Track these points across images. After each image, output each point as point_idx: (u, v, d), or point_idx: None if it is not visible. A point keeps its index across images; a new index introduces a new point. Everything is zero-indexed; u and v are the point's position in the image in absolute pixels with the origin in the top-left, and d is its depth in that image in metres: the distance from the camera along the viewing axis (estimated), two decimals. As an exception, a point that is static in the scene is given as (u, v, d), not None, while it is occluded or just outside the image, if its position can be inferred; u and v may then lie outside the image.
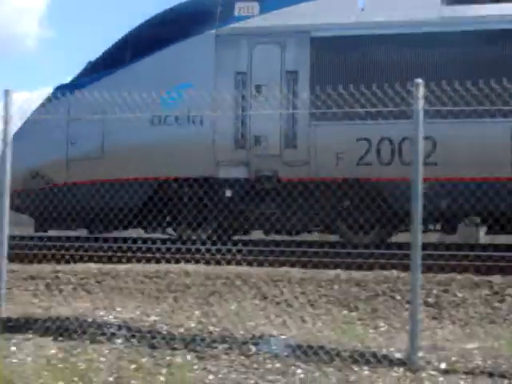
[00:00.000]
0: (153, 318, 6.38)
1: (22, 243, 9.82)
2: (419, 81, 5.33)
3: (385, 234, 11.31)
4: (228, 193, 11.30)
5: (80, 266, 9.07)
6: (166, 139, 11.35)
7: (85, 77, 12.23)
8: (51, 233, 12.35)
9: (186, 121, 11.37)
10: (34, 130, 11.23)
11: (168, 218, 11.57)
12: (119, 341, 5.56)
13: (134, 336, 5.65)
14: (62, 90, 11.83)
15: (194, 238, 11.44)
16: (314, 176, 10.92)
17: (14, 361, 4.96)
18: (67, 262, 9.24)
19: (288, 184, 10.96)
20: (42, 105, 11.82)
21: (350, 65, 10.97)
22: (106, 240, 11.11)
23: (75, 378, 4.59)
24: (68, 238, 11.58)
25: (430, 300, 6.89)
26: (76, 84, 12.00)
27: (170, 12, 12.50)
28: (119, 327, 5.85)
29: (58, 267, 8.89)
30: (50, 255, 9.51)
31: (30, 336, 5.71)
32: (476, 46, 10.52)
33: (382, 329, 6.33)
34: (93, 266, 9.23)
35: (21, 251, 9.36)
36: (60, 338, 5.64)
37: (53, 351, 5.27)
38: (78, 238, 11.80)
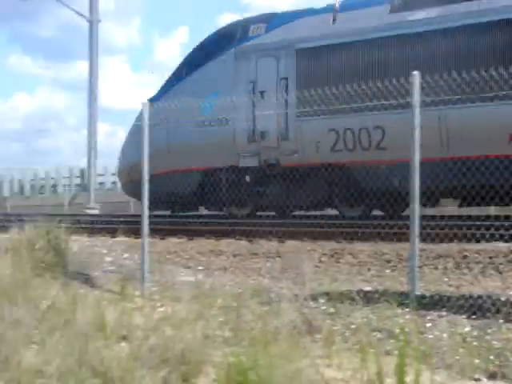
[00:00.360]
0: None
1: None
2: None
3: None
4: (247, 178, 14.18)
5: (489, 245, 8.98)
6: (206, 138, 14.38)
7: (160, 91, 15.92)
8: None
9: (217, 122, 14.32)
10: (133, 133, 14.58)
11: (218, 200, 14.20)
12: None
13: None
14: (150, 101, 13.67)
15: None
16: (304, 162, 13.51)
17: (429, 336, 5.14)
18: (477, 241, 9.26)
19: (287, 169, 13.27)
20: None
21: (324, 69, 13.23)
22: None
23: (491, 357, 4.56)
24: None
25: None
26: (155, 96, 15.53)
27: (210, 36, 15.57)
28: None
29: (466, 246, 8.95)
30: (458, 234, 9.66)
31: (444, 313, 5.84)
32: (413, 47, 12.26)
33: None
34: (501, 244, 9.05)
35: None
36: (473, 317, 5.67)
37: (467, 329, 5.31)
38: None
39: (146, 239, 7.18)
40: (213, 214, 16.09)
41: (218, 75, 14.49)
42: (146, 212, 7.21)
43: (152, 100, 14.41)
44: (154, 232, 8.37)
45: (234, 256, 9.89)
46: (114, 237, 12.24)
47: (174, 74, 16.03)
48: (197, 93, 14.08)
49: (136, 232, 9.51)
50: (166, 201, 14.63)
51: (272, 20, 14.66)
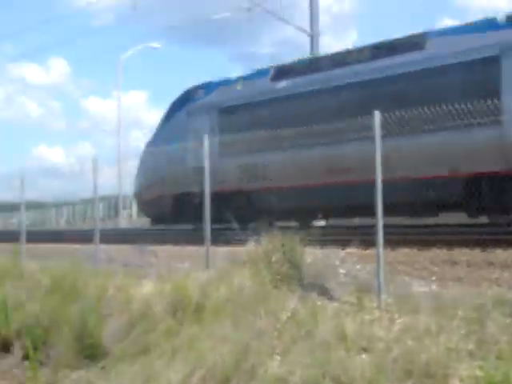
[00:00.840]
0: None
1: None
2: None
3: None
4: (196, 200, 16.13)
5: None
6: (175, 172, 18.75)
7: (153, 136, 20.96)
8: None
9: (179, 161, 18.14)
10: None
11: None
12: None
13: None
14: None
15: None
16: (225, 188, 16.78)
17: None
18: None
19: (218, 194, 13.68)
20: None
21: (233, 122, 17.61)
22: None
23: None
24: None
25: None
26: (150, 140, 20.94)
27: (178, 97, 20.06)
28: None
29: None
30: None
31: None
32: (277, 107, 16.67)
33: None
34: None
35: None
36: None
37: None
38: None
39: (381, 250, 7.14)
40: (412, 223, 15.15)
41: (178, 127, 19.24)
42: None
43: (147, 143, 20.78)
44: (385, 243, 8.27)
45: (469, 266, 9.44)
46: (344, 248, 12.33)
47: (158, 123, 20.78)
48: (167, 139, 18.62)
49: (365, 243, 9.48)
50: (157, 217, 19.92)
51: (208, 87, 19.36)
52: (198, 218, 13.50)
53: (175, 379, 7.32)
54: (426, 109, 12.01)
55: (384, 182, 7.32)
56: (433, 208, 13.61)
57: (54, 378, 8.24)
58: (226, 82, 18.86)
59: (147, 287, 9.35)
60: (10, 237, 14.69)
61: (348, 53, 16.32)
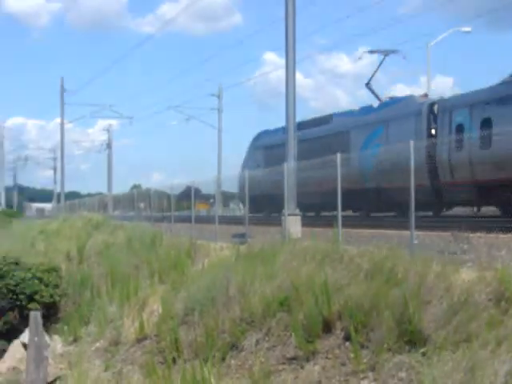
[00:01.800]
0: None
1: None
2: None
3: None
4: None
5: None
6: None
7: None
8: None
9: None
10: None
11: None
12: None
13: None
14: None
15: None
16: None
17: None
18: None
19: None
20: None
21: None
22: None
23: None
24: None
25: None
26: None
27: (253, 137, 35.44)
28: None
29: None
30: None
31: None
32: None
33: None
34: None
35: None
36: None
37: None
38: None
39: None
40: None
41: (250, 156, 34.19)
42: None
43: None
44: None
45: None
46: None
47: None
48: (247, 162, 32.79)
49: None
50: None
51: (264, 132, 34.07)
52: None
53: (502, 371, 7.00)
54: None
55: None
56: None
57: (375, 361, 8.43)
58: (271, 131, 32.73)
59: (467, 275, 9.06)
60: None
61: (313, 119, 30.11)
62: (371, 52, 29.08)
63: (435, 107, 21.16)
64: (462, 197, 18.87)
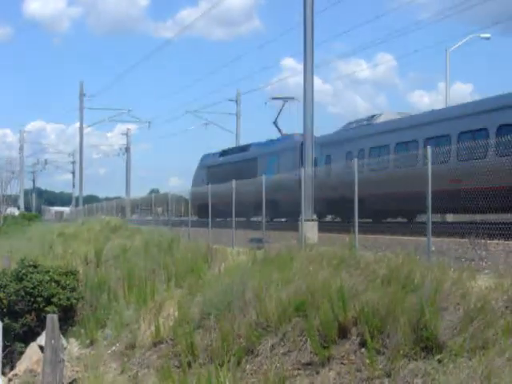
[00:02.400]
0: None
1: None
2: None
3: None
4: None
5: None
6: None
7: None
8: None
9: None
10: None
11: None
12: None
13: None
14: None
15: None
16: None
17: None
18: None
19: None
20: None
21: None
22: None
23: None
24: None
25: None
26: None
27: (201, 158, 43.48)
28: None
29: None
30: None
31: None
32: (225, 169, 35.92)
33: None
34: None
35: None
36: None
37: None
38: None
39: None
40: None
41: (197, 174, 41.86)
42: None
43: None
44: None
45: None
46: None
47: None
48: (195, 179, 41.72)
49: None
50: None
51: (207, 155, 41.68)
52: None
53: (520, 380, 6.96)
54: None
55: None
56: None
57: (391, 367, 8.40)
58: (212, 154, 40.81)
59: (484, 281, 9.01)
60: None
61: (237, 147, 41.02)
62: (274, 98, 39.26)
63: None
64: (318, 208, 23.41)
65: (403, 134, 22.74)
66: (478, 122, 19.21)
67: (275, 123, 36.89)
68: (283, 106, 36.30)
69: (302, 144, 26.76)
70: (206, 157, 41.71)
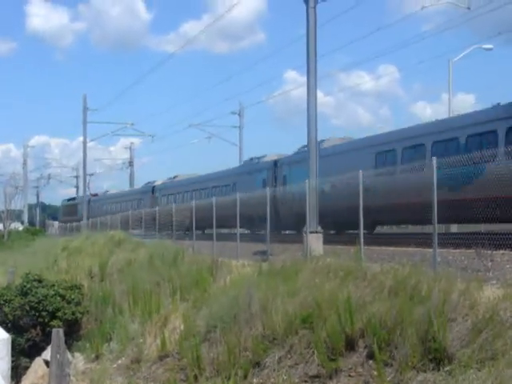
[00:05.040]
0: None
1: None
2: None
3: None
4: None
5: None
6: None
7: None
8: None
9: None
10: None
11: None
12: None
13: None
14: None
15: None
16: None
17: None
18: None
19: None
20: None
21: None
22: None
23: None
24: None
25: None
26: None
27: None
28: None
29: None
30: None
31: None
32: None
33: None
34: None
35: None
36: None
37: None
38: None
39: None
40: None
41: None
42: None
43: None
44: None
45: None
46: None
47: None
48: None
49: None
50: None
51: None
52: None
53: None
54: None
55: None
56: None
57: (399, 379, 8.36)
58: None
59: (491, 292, 8.97)
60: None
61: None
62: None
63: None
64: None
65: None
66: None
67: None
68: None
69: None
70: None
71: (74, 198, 72.32)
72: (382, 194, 19.28)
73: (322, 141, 27.78)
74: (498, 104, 19.56)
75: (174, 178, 47.56)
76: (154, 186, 48.51)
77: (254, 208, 19.37)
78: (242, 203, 19.54)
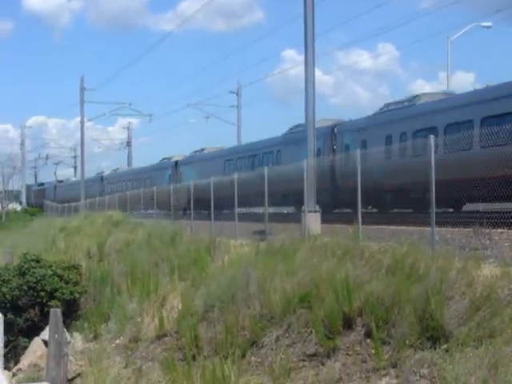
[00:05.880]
0: None
1: None
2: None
3: None
4: None
5: None
6: None
7: None
8: None
9: None
10: None
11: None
12: None
13: None
14: None
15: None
16: None
17: None
18: None
19: None
20: None
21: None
22: None
23: None
24: None
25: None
26: None
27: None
28: None
29: None
30: None
31: None
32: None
33: None
34: None
35: None
36: None
37: None
38: None
39: None
40: None
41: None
42: None
43: None
44: None
45: None
46: None
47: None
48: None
49: None
50: None
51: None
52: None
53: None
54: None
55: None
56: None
57: (397, 357, 8.35)
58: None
59: (489, 270, 8.95)
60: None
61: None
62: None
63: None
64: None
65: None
66: None
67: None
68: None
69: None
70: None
71: (42, 184, 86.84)
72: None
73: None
74: None
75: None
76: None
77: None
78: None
